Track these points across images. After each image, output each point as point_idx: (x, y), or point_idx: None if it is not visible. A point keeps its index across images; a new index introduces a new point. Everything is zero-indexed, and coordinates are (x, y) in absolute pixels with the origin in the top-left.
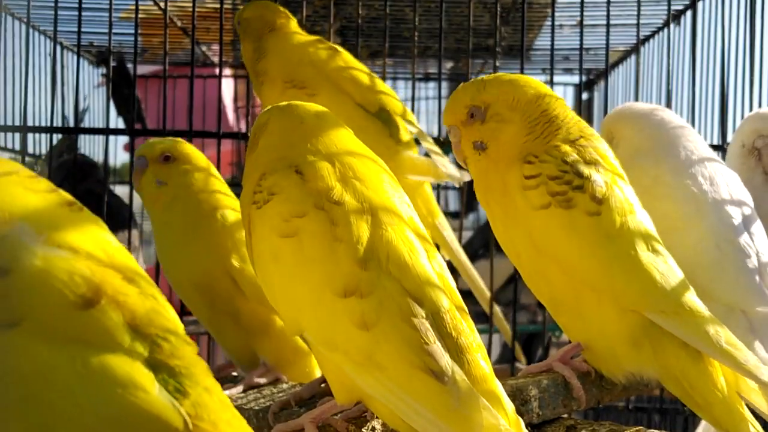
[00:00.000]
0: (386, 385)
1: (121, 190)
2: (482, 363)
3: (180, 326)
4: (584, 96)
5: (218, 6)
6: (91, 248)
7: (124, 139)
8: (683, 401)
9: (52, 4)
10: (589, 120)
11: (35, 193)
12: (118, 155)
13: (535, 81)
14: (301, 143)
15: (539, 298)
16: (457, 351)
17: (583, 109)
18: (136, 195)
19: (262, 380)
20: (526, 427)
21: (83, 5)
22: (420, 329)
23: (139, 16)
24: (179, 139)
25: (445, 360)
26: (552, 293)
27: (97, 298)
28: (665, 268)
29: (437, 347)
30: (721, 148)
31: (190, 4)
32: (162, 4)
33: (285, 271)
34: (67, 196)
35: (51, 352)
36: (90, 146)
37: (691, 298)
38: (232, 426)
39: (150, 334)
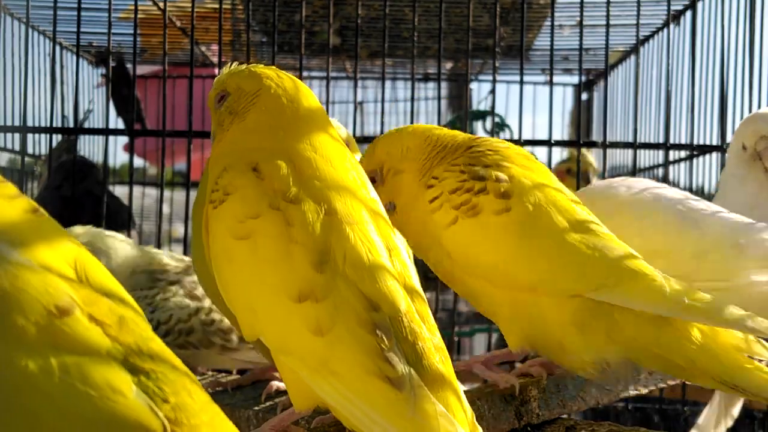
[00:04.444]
0: (341, 392)
1: (120, 191)
2: (441, 367)
3: (152, 334)
4: (584, 96)
5: (217, 6)
6: (62, 262)
7: (123, 140)
8: (666, 372)
9: (52, 5)
10: (588, 120)
11: (5, 199)
12: (118, 156)
13: (419, 125)
14: (262, 135)
15: (478, 310)
16: (414, 356)
17: (583, 110)
18: (134, 196)
19: (283, 386)
20: (527, 428)
21: (82, 5)
22: (377, 334)
23: (139, 16)
24: None
25: (401, 366)
26: (488, 305)
27: (72, 309)
28: (598, 242)
29: (394, 353)
30: (720, 148)
31: (189, 5)
32: (161, 5)
33: (240, 274)
34: (31, 201)
35: (28, 357)
36: (90, 146)
37: (637, 263)
38: (213, 426)
39: (125, 341)
